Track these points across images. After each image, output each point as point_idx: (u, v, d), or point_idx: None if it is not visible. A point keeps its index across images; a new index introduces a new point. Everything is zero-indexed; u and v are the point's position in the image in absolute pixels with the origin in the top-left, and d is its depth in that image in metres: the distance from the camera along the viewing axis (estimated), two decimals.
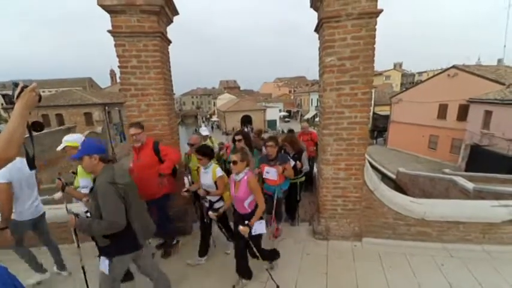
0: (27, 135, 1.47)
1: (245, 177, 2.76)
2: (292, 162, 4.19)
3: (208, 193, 3.30)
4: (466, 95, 17.85)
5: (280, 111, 51.32)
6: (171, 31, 3.98)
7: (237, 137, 4.24)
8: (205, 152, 3.27)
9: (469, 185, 7.60)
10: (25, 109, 1.36)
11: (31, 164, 1.72)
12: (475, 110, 17.52)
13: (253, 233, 2.77)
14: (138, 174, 3.28)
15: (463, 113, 18.72)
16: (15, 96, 1.37)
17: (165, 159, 3.47)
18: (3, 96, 1.46)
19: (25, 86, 1.39)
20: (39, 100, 1.46)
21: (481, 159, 13.96)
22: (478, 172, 10.35)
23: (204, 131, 5.48)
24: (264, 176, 3.84)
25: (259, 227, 2.82)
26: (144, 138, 3.44)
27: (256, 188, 2.75)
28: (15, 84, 1.40)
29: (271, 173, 3.76)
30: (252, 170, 2.87)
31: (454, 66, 19.53)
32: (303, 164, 4.36)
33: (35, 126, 1.61)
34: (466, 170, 14.01)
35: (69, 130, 18.26)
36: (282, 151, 4.58)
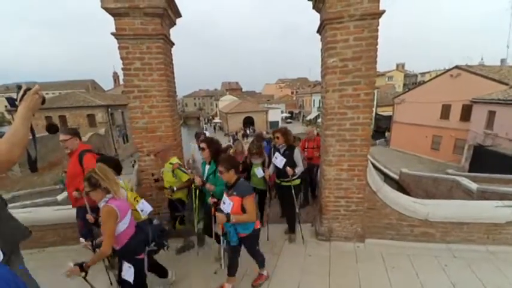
0: (31, 137, 1.48)
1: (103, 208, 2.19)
2: (282, 161, 3.65)
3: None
4: (469, 95, 17.80)
5: (282, 112, 51.25)
6: (174, 33, 4.01)
7: (202, 145, 3.32)
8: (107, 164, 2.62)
9: (473, 186, 7.54)
10: (28, 111, 1.37)
11: (33, 167, 1.73)
12: (478, 110, 17.46)
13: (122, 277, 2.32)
14: (67, 181, 3.28)
15: (466, 113, 18.66)
16: (18, 99, 1.38)
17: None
18: (8, 99, 1.47)
19: (28, 89, 1.40)
20: (43, 102, 1.47)
21: (484, 160, 13.85)
22: (482, 172, 10.28)
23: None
24: (221, 207, 2.76)
25: (127, 273, 2.31)
26: (74, 145, 3.20)
27: (104, 221, 2.13)
28: (19, 87, 1.41)
29: (226, 205, 2.70)
30: (118, 196, 2.23)
31: (456, 67, 19.44)
32: (297, 164, 3.72)
33: (51, 129, 1.61)
34: (469, 171, 13.90)
35: None
36: (272, 144, 4.26)
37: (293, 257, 3.60)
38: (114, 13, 3.34)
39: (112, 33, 3.41)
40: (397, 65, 64.22)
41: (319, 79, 3.89)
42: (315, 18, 3.64)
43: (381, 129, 29.75)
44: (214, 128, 50.49)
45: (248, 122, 42.63)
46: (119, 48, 3.46)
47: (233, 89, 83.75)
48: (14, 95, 1.41)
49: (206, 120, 60.50)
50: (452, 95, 19.09)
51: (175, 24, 3.96)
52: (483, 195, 6.96)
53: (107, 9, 3.30)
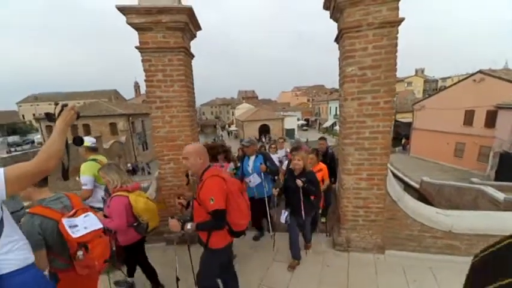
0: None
1: None
2: None
3: None
4: (493, 101, 17.11)
5: (298, 120, 51.16)
6: (192, 42, 4.13)
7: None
8: None
9: (500, 195, 7.23)
10: (65, 126, 1.52)
11: (65, 175, 1.86)
12: (504, 116, 16.72)
13: None
14: None
15: (491, 119, 17.91)
16: (56, 114, 1.54)
17: None
18: (46, 114, 1.65)
19: (65, 105, 1.57)
20: (78, 117, 1.64)
21: (511, 168, 13.23)
22: (509, 181, 9.82)
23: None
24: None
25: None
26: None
27: None
28: (56, 104, 1.60)
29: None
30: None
31: (480, 71, 18.80)
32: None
33: (77, 141, 1.79)
34: (495, 179, 13.31)
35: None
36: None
37: (310, 267, 3.56)
38: (138, 28, 3.50)
39: (136, 47, 3.57)
40: (416, 70, 62.89)
41: (337, 86, 3.88)
42: (333, 26, 3.66)
43: (400, 136, 29.08)
44: (229, 134, 51.61)
45: (264, 129, 42.76)
46: (143, 61, 3.61)
47: (249, 97, 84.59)
48: (51, 111, 1.58)
49: (221, 128, 61.73)
50: (476, 101, 18.44)
51: (195, 36, 4.09)
52: (511, 206, 6.65)
53: (131, 25, 3.47)
